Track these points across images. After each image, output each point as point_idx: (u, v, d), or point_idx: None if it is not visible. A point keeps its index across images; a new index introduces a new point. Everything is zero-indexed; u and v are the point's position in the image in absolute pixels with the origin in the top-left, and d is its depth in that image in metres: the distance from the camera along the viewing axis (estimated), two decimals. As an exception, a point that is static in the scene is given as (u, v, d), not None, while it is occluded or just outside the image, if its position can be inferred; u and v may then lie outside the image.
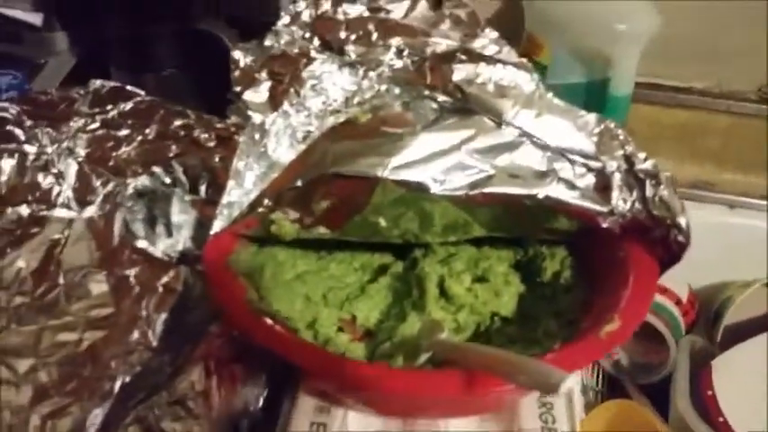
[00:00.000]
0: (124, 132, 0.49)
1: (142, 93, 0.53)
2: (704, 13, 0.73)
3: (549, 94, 0.39)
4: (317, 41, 0.41)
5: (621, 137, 0.40)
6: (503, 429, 0.39)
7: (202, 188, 0.40)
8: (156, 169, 0.41)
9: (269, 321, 0.34)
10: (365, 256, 0.46)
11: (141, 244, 0.41)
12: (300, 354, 0.33)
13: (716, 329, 0.55)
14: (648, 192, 0.39)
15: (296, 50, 0.41)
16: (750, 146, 0.76)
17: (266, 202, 0.38)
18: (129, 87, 0.53)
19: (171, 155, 0.43)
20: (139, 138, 0.48)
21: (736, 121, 0.80)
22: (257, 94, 0.40)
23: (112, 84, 0.53)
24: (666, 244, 0.39)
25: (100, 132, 0.49)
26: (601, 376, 0.55)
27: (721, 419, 0.43)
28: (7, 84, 0.81)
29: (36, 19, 0.85)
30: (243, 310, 0.34)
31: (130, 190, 0.41)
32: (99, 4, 0.77)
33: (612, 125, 0.40)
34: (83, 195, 0.46)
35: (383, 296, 0.44)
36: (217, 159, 0.39)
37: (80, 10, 0.82)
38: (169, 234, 0.41)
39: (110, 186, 0.46)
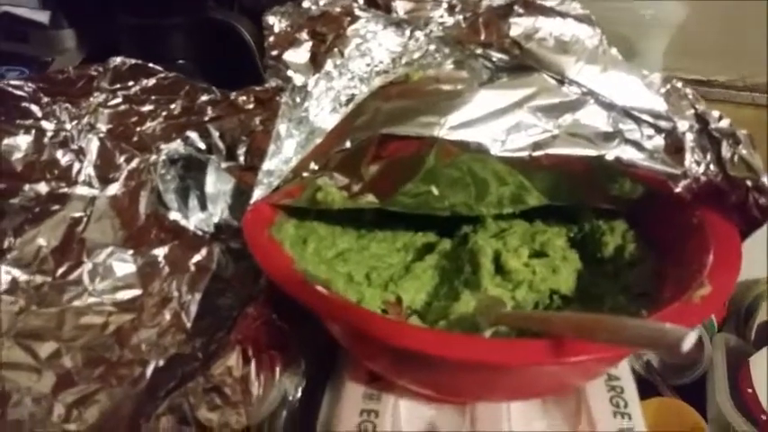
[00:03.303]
0: (148, 108, 0.46)
1: (163, 70, 0.50)
2: (725, 6, 0.72)
3: (614, 50, 0.37)
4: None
5: (691, 96, 0.37)
6: (568, 414, 0.36)
7: (241, 154, 0.37)
8: (191, 134, 0.38)
9: (326, 290, 0.31)
10: (407, 236, 0.44)
11: (173, 216, 0.38)
12: (368, 321, 0.29)
13: (749, 327, 0.53)
14: (725, 152, 0.36)
15: (338, 9, 0.38)
16: (776, 137, 0.74)
17: (312, 165, 0.35)
18: (150, 64, 0.50)
19: (206, 118, 0.40)
20: (164, 113, 0.46)
21: (759, 115, 0.78)
22: (298, 55, 0.37)
23: (133, 61, 0.51)
24: (744, 209, 0.36)
25: (122, 108, 0.46)
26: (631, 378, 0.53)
27: (764, 417, 0.42)
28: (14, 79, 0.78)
29: (43, 17, 0.83)
30: (295, 280, 0.31)
31: (163, 157, 0.37)
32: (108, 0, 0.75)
33: (680, 84, 0.38)
34: (105, 172, 0.43)
35: (430, 276, 0.41)
36: (257, 122, 0.36)
37: (88, 6, 0.80)
38: (203, 207, 0.38)
39: (134, 163, 0.43)
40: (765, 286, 0.55)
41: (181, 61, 0.72)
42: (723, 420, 0.42)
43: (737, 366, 0.45)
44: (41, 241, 0.39)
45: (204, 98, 0.46)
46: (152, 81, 0.48)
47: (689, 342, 0.21)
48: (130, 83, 0.48)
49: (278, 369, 0.38)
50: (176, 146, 0.38)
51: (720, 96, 0.79)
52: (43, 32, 0.82)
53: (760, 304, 0.54)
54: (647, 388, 0.50)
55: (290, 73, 0.37)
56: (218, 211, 0.38)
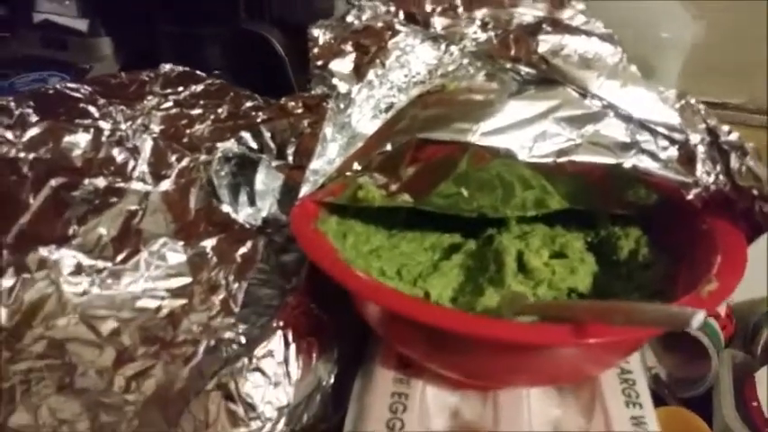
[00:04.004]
0: (197, 111, 0.50)
1: (209, 77, 0.54)
2: (739, 29, 0.74)
3: (633, 67, 0.40)
4: (401, 15, 0.42)
5: (703, 111, 0.40)
6: (583, 402, 0.39)
7: (289, 153, 0.40)
8: (244, 134, 0.41)
9: (368, 276, 0.34)
10: (434, 236, 0.47)
11: (225, 209, 0.41)
12: (406, 303, 0.32)
13: (755, 343, 0.55)
14: (734, 163, 0.39)
15: (380, 24, 0.42)
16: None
17: (355, 166, 0.39)
18: (197, 72, 0.54)
19: (258, 120, 0.44)
20: (212, 116, 0.49)
21: (769, 136, 0.81)
22: (343, 65, 0.41)
23: (181, 68, 0.54)
24: (750, 216, 0.39)
25: (173, 111, 0.49)
26: (643, 373, 0.55)
27: None
28: (56, 84, 0.82)
29: (82, 25, 0.87)
30: (340, 267, 0.34)
31: (218, 154, 0.41)
32: (145, 9, 0.79)
33: (693, 100, 0.41)
34: (158, 169, 0.46)
35: (456, 273, 0.44)
36: (305, 124, 0.40)
37: (125, 16, 0.84)
38: (252, 202, 0.41)
39: (184, 161, 0.46)
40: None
41: (216, 71, 0.75)
42: (729, 432, 0.43)
43: (743, 381, 0.47)
44: (102, 230, 0.42)
45: (249, 104, 0.50)
46: (200, 87, 0.52)
47: (698, 320, 0.24)
48: (180, 88, 0.52)
49: (314, 355, 0.41)
50: (231, 145, 0.41)
51: (733, 119, 0.82)
52: (82, 40, 0.86)
53: (766, 322, 0.56)
54: (655, 400, 0.52)
55: (335, 81, 0.40)
56: (267, 206, 0.42)
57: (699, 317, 0.24)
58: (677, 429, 0.46)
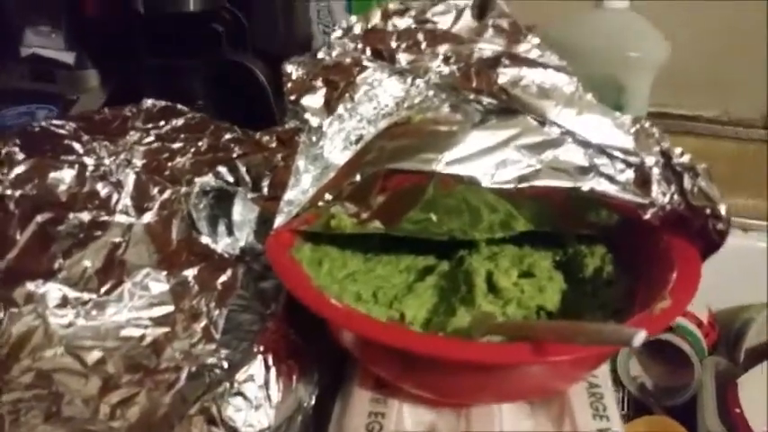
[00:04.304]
0: (178, 145, 0.52)
1: (190, 110, 0.56)
2: (708, 43, 0.77)
3: (589, 95, 0.42)
4: (368, 51, 0.44)
5: (657, 135, 0.42)
6: (553, 416, 0.41)
7: (264, 186, 0.42)
8: (221, 169, 0.43)
9: (340, 304, 0.35)
10: (409, 259, 0.48)
11: (204, 240, 0.43)
12: (377, 329, 0.34)
13: (738, 350, 0.56)
14: (687, 184, 0.41)
15: (348, 60, 0.44)
16: (758, 171, 0.79)
17: (327, 196, 0.41)
18: (178, 106, 0.56)
19: (234, 155, 0.46)
20: (193, 149, 0.51)
21: (743, 148, 0.83)
22: (314, 100, 0.43)
23: (163, 103, 0.56)
24: (705, 234, 0.41)
25: (155, 145, 0.51)
26: (626, 399, 0.56)
27: None
28: (44, 117, 0.84)
29: (69, 58, 0.89)
30: (313, 295, 0.36)
31: (197, 188, 0.43)
32: (129, 43, 0.81)
33: (647, 124, 0.43)
34: (141, 202, 0.48)
35: (430, 294, 0.46)
36: (279, 158, 0.42)
37: (111, 48, 0.86)
38: (230, 233, 0.43)
39: (166, 194, 0.48)
40: (754, 312, 0.59)
41: (200, 101, 0.77)
42: (712, 439, 0.45)
43: (726, 388, 0.48)
44: (87, 263, 0.44)
45: (228, 136, 0.52)
46: (181, 121, 0.54)
47: (639, 339, 0.26)
48: (161, 122, 0.53)
49: (295, 377, 0.43)
50: (208, 179, 0.43)
51: (705, 131, 0.84)
52: (69, 73, 0.88)
53: (749, 328, 0.58)
54: (640, 409, 0.53)
55: (307, 116, 0.42)
56: (244, 237, 0.43)
57: (639, 336, 0.26)
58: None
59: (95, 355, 0.40)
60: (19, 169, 0.48)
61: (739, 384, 0.48)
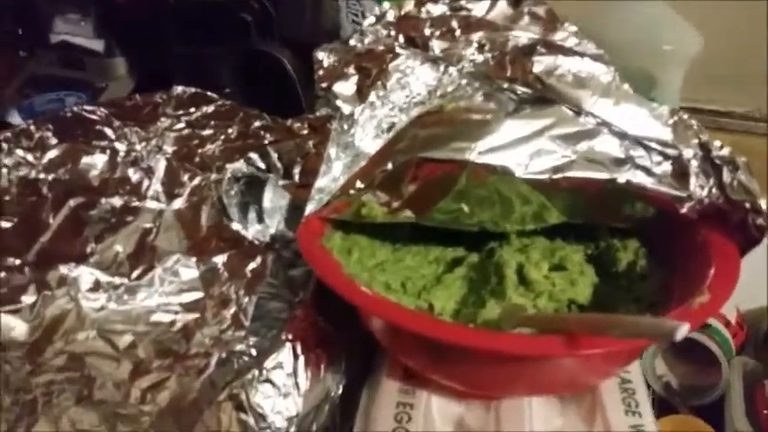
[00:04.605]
0: (208, 132, 0.52)
1: (220, 98, 0.56)
2: (740, 38, 0.75)
3: (626, 85, 0.41)
4: (401, 39, 0.44)
5: (695, 127, 0.42)
6: (584, 412, 0.40)
7: (296, 173, 0.42)
8: (252, 155, 0.43)
9: (371, 291, 0.35)
10: (438, 250, 0.48)
11: (235, 227, 0.43)
12: (409, 318, 0.34)
13: (766, 350, 0.55)
14: (726, 177, 0.40)
15: (381, 47, 0.43)
16: (790, 168, 0.77)
17: (358, 184, 0.40)
18: (208, 93, 0.56)
19: (266, 142, 0.45)
20: (223, 136, 0.51)
21: (778, 144, 0.81)
22: (346, 87, 0.42)
23: (193, 90, 0.56)
24: (744, 228, 0.40)
25: (186, 132, 0.51)
26: (652, 398, 0.55)
27: None
28: (73, 103, 0.85)
29: (98, 46, 0.90)
30: (344, 282, 0.36)
31: (228, 175, 0.43)
32: (158, 31, 0.81)
33: (686, 116, 0.42)
34: (171, 189, 0.48)
35: (459, 286, 0.46)
36: (311, 145, 0.42)
37: (140, 37, 0.86)
38: (260, 220, 0.43)
39: (196, 180, 0.48)
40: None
41: (227, 90, 0.77)
42: (739, 441, 0.44)
43: (754, 388, 0.47)
44: (118, 248, 0.44)
45: (257, 123, 0.52)
46: (211, 108, 0.54)
47: (681, 332, 0.26)
48: (192, 109, 0.54)
49: (323, 366, 0.43)
50: (240, 165, 0.43)
51: (737, 127, 0.83)
52: (98, 60, 0.89)
53: (778, 328, 0.57)
54: (666, 409, 0.53)
55: (338, 103, 0.42)
56: (274, 224, 0.43)
57: (682, 329, 0.26)
58: (684, 437, 0.47)
59: (126, 340, 0.40)
60: (52, 153, 0.49)
61: (767, 385, 0.47)
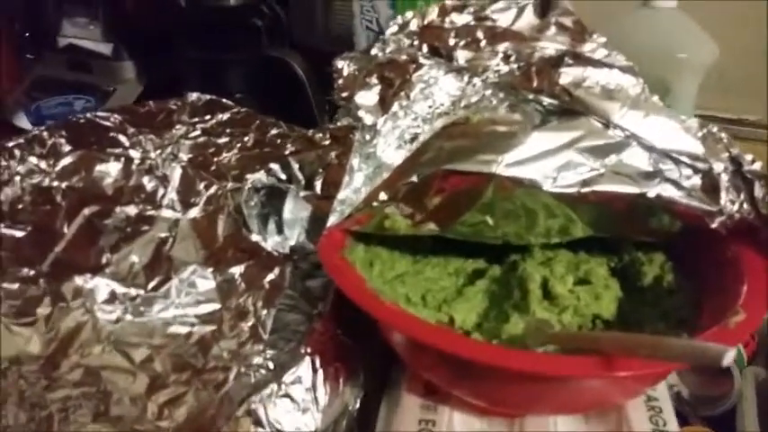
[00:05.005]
0: (224, 140, 0.51)
1: (235, 105, 0.55)
2: (754, 46, 0.75)
3: (655, 97, 0.40)
4: (425, 48, 0.43)
5: (725, 140, 0.41)
6: (610, 430, 0.39)
7: (317, 184, 0.41)
8: (273, 165, 0.42)
9: (395, 306, 0.34)
10: (458, 261, 0.47)
11: (255, 238, 0.42)
12: (434, 335, 0.33)
13: None
14: (758, 192, 0.39)
15: (404, 57, 0.43)
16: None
17: (382, 196, 0.39)
18: (223, 100, 0.55)
19: (287, 152, 0.45)
20: (239, 145, 0.50)
21: (789, 153, 0.80)
22: (368, 97, 0.42)
23: (207, 96, 0.56)
24: (776, 245, 0.39)
25: (201, 139, 0.51)
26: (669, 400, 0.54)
27: None
28: (82, 107, 0.84)
29: (106, 49, 0.89)
30: (368, 297, 0.35)
31: (248, 186, 0.42)
32: (167, 35, 0.81)
33: (715, 129, 0.41)
34: (187, 197, 0.47)
35: (480, 299, 0.45)
36: (333, 156, 0.41)
37: (149, 41, 0.86)
38: (280, 231, 0.42)
39: (212, 189, 0.48)
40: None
41: (238, 95, 0.77)
42: (753, 452, 0.43)
43: (767, 399, 0.47)
44: (134, 258, 0.43)
45: (274, 132, 0.51)
46: (226, 115, 0.53)
47: (729, 358, 0.25)
48: (207, 116, 0.53)
49: (341, 380, 0.42)
50: (260, 176, 0.42)
51: (750, 135, 0.82)
52: (106, 63, 0.88)
53: (789, 339, 0.56)
54: (677, 419, 0.52)
55: (360, 113, 0.41)
56: (294, 235, 0.42)
57: (729, 355, 0.25)
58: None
59: (143, 353, 0.39)
60: (65, 161, 0.48)
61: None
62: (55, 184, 0.47)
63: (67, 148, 0.49)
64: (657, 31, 0.66)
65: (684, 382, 0.54)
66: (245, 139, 0.50)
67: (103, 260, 0.42)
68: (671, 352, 0.28)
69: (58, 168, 0.48)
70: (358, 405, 0.43)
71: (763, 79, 0.77)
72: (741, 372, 0.51)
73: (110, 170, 0.48)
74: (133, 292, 0.42)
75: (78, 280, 0.41)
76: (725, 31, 0.66)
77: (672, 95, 0.67)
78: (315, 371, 0.40)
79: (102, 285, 0.41)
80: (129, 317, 0.41)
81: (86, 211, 0.45)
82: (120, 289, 0.41)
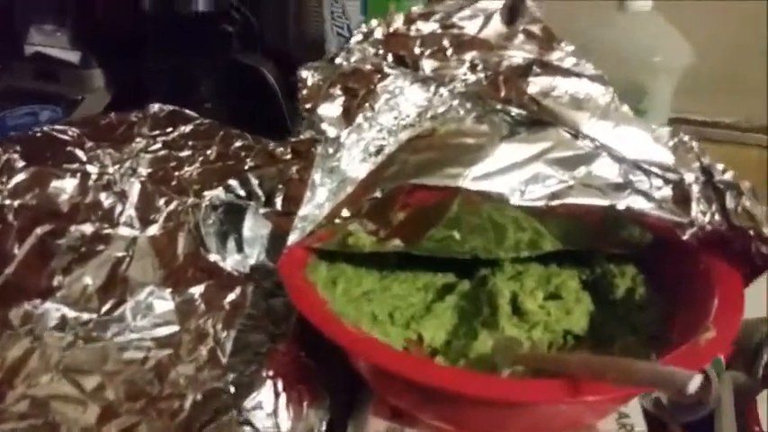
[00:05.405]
0: (186, 153, 0.49)
1: (198, 116, 0.53)
2: (729, 48, 0.75)
3: (625, 107, 0.39)
4: (390, 58, 0.42)
5: (696, 149, 0.40)
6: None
7: (278, 201, 0.40)
8: (232, 182, 0.41)
9: (356, 329, 0.33)
10: (427, 276, 0.46)
11: (213, 258, 0.41)
12: (397, 361, 0.32)
13: (757, 365, 0.54)
14: (729, 203, 0.38)
15: (368, 66, 0.41)
16: (779, 179, 0.76)
17: (344, 212, 0.38)
18: (186, 111, 0.53)
19: (246, 167, 0.43)
20: (201, 158, 0.48)
21: (764, 154, 0.81)
22: (331, 109, 0.40)
23: (170, 107, 0.54)
24: (748, 256, 0.38)
25: (162, 153, 0.49)
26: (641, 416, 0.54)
27: None
28: (48, 117, 0.82)
29: (73, 57, 0.87)
30: (329, 320, 0.33)
31: (206, 203, 0.40)
32: (137, 42, 0.79)
33: (686, 138, 0.40)
34: (146, 214, 0.46)
35: (449, 316, 0.44)
36: (294, 171, 0.39)
37: (117, 48, 0.84)
38: (240, 249, 0.41)
39: (173, 205, 0.46)
40: (773, 325, 0.57)
41: (208, 103, 0.75)
42: (731, 458, 0.42)
43: (745, 404, 0.45)
44: (88, 280, 0.41)
45: (238, 144, 0.49)
46: (189, 127, 0.51)
47: (694, 385, 0.24)
48: (169, 129, 0.51)
49: (305, 403, 0.40)
50: (218, 193, 0.41)
51: (725, 137, 0.82)
52: (73, 72, 0.86)
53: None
54: (655, 425, 0.51)
55: (323, 126, 0.40)
56: (255, 254, 0.41)
57: (694, 382, 0.24)
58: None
59: (94, 381, 0.37)
60: (18, 178, 0.46)
61: (759, 401, 0.46)
62: (7, 202, 0.45)
63: (21, 163, 0.47)
64: (632, 35, 0.66)
65: (663, 388, 0.53)
66: (208, 152, 0.49)
67: (55, 283, 0.41)
68: (638, 376, 0.27)
69: (10, 186, 0.46)
70: (324, 428, 0.41)
71: (741, 80, 0.77)
72: (719, 377, 0.50)
73: (65, 186, 0.46)
74: (85, 316, 0.40)
75: (27, 305, 0.39)
76: (701, 33, 0.65)
77: (647, 98, 0.67)
78: (277, 395, 0.39)
79: (52, 310, 0.39)
80: (80, 343, 0.39)
81: (39, 231, 0.43)
82: (71, 313, 0.39)
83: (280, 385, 0.39)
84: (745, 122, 0.83)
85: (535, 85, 0.40)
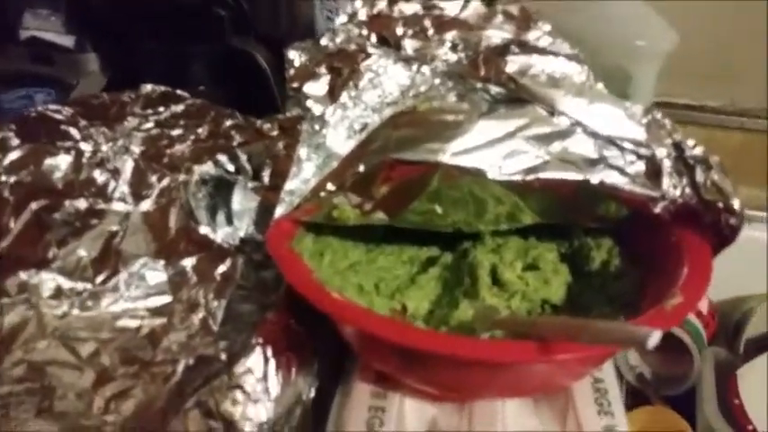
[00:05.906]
0: (177, 132, 0.50)
1: (190, 96, 0.54)
2: (713, 32, 0.76)
3: (600, 85, 0.41)
4: (373, 38, 0.43)
5: (668, 126, 0.41)
6: (557, 413, 0.40)
7: (265, 175, 0.41)
8: (221, 157, 0.42)
9: (341, 297, 0.34)
10: (412, 250, 0.47)
11: (203, 230, 0.42)
12: (378, 325, 0.33)
13: (737, 341, 0.56)
14: (699, 177, 0.40)
15: (353, 47, 0.43)
16: (762, 161, 0.78)
17: (329, 186, 0.39)
18: (177, 91, 0.54)
19: (235, 143, 0.44)
20: (192, 137, 0.50)
21: (749, 138, 0.82)
22: (317, 87, 0.42)
23: (162, 88, 0.55)
24: (717, 228, 0.40)
25: (154, 132, 0.50)
26: (624, 389, 0.55)
27: (750, 427, 0.44)
28: (42, 101, 0.83)
29: (68, 41, 0.87)
30: (314, 288, 0.35)
31: (195, 177, 0.42)
32: (131, 26, 0.80)
33: (659, 115, 0.42)
34: (138, 190, 0.47)
35: (432, 286, 0.45)
36: (280, 146, 0.41)
37: (112, 32, 0.84)
38: (229, 222, 0.42)
39: (165, 181, 0.47)
40: (754, 302, 0.58)
41: (201, 87, 0.76)
42: (711, 430, 0.45)
43: (726, 379, 0.48)
44: (82, 252, 0.43)
45: (228, 123, 0.51)
46: (180, 107, 0.52)
47: (653, 340, 0.25)
48: (161, 108, 0.52)
49: (294, 369, 0.42)
50: (208, 167, 0.42)
51: (711, 121, 0.83)
52: (68, 56, 0.86)
53: (749, 319, 0.57)
54: (639, 399, 0.53)
55: (309, 103, 0.41)
56: (244, 226, 0.42)
57: (654, 337, 0.25)
58: (658, 428, 0.47)
59: (90, 347, 0.39)
60: (13, 155, 0.47)
61: (739, 375, 0.48)
62: (3, 178, 0.46)
63: (16, 141, 0.48)
64: (617, 20, 0.67)
65: (646, 362, 0.55)
66: (199, 130, 0.50)
67: (50, 255, 0.42)
68: (600, 335, 0.28)
69: (5, 163, 0.47)
70: (313, 394, 0.43)
71: (726, 65, 0.78)
72: (701, 352, 0.51)
73: (59, 164, 0.47)
74: (80, 286, 0.41)
75: (23, 275, 0.41)
76: (684, 19, 0.66)
77: (632, 83, 0.68)
78: (266, 360, 0.40)
79: (47, 280, 0.41)
80: (75, 311, 0.40)
81: (34, 206, 0.44)
82: (66, 283, 0.41)
83: (269, 352, 0.40)
84: (730, 106, 0.84)
85: (513, 64, 0.41)
